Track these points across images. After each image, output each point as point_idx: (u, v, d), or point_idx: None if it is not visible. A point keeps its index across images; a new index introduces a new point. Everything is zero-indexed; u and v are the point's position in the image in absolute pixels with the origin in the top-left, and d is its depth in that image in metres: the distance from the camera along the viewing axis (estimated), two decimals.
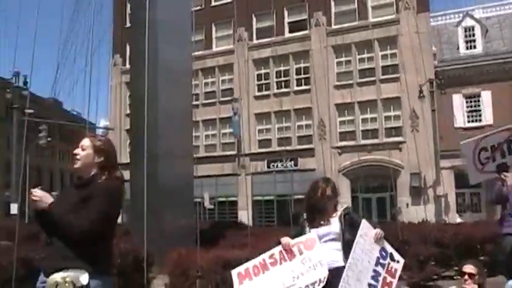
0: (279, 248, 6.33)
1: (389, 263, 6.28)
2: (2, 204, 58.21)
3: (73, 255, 4.30)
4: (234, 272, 6.39)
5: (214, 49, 48.88)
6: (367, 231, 6.30)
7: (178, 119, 17.00)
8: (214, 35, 49.27)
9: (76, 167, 4.76)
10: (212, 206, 43.57)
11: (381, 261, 6.24)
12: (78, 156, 4.72)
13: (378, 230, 6.36)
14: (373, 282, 6.11)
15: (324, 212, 6.44)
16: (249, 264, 6.36)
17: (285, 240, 6.33)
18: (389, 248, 6.41)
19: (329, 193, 6.49)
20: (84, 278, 4.21)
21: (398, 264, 6.39)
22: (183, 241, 13.69)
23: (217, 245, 14.40)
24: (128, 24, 47.50)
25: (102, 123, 52.73)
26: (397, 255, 6.44)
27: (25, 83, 44.59)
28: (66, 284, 4.14)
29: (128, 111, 47.25)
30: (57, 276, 4.18)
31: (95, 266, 4.33)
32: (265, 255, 6.35)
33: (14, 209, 41.24)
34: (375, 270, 6.16)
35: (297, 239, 6.34)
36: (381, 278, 6.16)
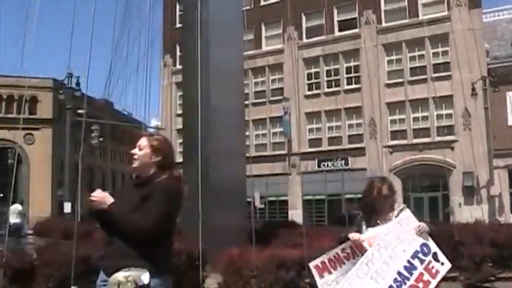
0: (349, 243, 6.26)
1: (430, 261, 6.07)
2: (56, 204, 59.15)
3: (134, 254, 4.30)
4: (312, 265, 6.33)
5: (264, 48, 48.92)
6: (407, 221, 6.15)
7: (230, 118, 17.01)
8: (263, 34, 49.31)
9: (134, 166, 4.75)
10: (263, 206, 43.62)
11: (420, 255, 5.99)
12: (135, 156, 4.71)
13: (422, 224, 6.22)
14: (405, 272, 5.90)
15: (379, 212, 6.36)
16: (324, 258, 6.28)
17: (356, 236, 6.23)
18: (435, 248, 6.22)
19: (385, 192, 6.40)
20: (145, 277, 4.21)
21: (442, 266, 6.18)
22: (236, 240, 13.67)
23: (270, 245, 14.37)
24: (178, 25, 47.93)
25: (153, 123, 53.21)
26: (442, 257, 6.23)
27: (77, 83, 45.17)
28: (129, 284, 4.14)
29: (179, 111, 47.73)
30: (120, 276, 4.18)
31: (155, 265, 4.32)
32: (337, 249, 6.27)
33: (67, 207, 41.94)
34: (409, 262, 5.94)
35: (366, 234, 6.27)
36: (416, 272, 5.93)
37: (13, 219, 25.34)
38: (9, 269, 9.88)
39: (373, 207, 6.37)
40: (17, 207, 26.19)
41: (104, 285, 4.40)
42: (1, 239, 25.01)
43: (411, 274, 5.91)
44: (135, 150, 4.70)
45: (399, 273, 5.90)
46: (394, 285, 5.86)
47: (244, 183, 18.14)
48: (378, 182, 6.56)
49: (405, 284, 5.86)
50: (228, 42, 17.19)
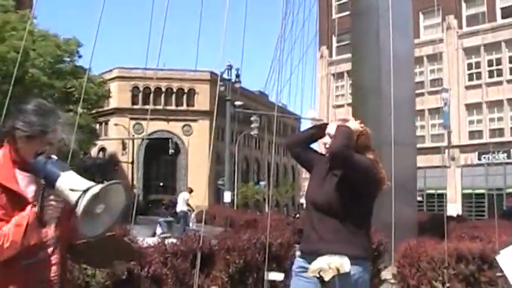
0: None
1: None
2: (213, 193, 60.78)
3: (332, 239, 4.26)
4: (499, 257, 6.19)
5: (422, 38, 47.75)
6: None
7: (402, 107, 16.69)
8: (421, 24, 48.19)
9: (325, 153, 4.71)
10: (420, 198, 42.87)
11: None
12: (327, 145, 4.63)
13: None
14: None
15: None
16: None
17: None
18: None
19: None
20: (347, 264, 4.13)
21: None
22: (407, 232, 13.49)
23: (443, 237, 14.07)
24: (334, 16, 47.94)
25: (310, 114, 53.43)
26: None
27: (237, 75, 46.05)
28: (330, 271, 4.08)
29: (335, 103, 47.92)
30: (321, 262, 4.13)
31: (354, 252, 4.25)
32: None
33: (227, 197, 42.92)
34: None
35: None
36: None
37: (180, 207, 26.21)
38: (191, 253, 10.12)
39: None
40: (184, 195, 27.02)
41: (302, 272, 4.38)
42: (169, 226, 26.13)
43: None
44: (326, 139, 4.63)
45: None
46: None
47: (415, 175, 17.84)
48: None
49: None
50: (399, 30, 16.91)
